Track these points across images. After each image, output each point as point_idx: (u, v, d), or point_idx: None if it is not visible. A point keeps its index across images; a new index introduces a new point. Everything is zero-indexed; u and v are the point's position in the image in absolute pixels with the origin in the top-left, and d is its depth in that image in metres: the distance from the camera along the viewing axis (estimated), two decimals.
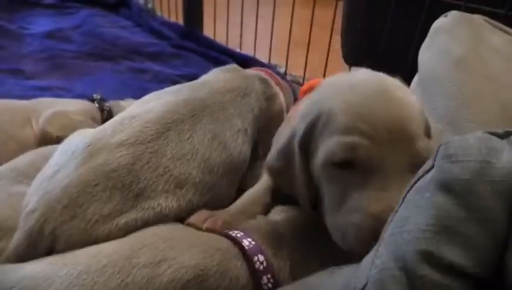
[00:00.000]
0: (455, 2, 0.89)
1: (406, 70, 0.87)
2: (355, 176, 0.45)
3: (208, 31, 1.72)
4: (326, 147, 0.46)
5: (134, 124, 0.58)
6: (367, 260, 0.36)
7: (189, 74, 1.41)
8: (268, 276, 0.48)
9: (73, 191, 0.51)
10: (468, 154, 0.31)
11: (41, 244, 0.51)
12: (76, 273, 0.43)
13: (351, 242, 0.44)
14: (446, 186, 0.31)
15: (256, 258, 0.49)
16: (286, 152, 0.53)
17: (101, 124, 0.71)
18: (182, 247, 0.48)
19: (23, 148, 0.76)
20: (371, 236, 0.39)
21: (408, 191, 0.35)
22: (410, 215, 0.32)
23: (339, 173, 0.46)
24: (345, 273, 0.39)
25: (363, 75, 0.52)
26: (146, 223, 0.52)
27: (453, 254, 0.29)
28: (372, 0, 1.11)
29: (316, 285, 0.40)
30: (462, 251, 0.29)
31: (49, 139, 0.80)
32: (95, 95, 0.97)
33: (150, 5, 2.05)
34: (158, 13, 1.97)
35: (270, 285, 0.48)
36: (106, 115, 0.91)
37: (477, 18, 0.74)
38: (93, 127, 0.76)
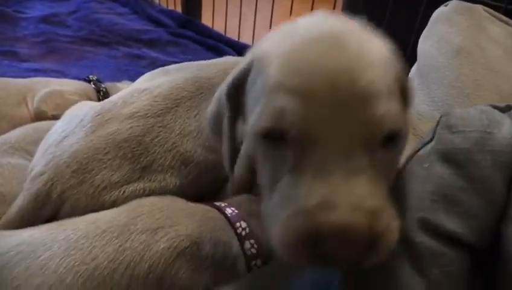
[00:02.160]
0: None
1: (405, 61, 0.87)
2: (287, 152, 0.32)
3: (206, 22, 1.71)
4: (255, 113, 0.34)
5: (144, 97, 0.58)
6: None
7: (186, 62, 1.40)
8: (252, 241, 0.48)
9: (83, 156, 0.52)
10: (469, 125, 0.30)
11: (47, 207, 0.51)
12: (75, 238, 0.43)
13: (280, 245, 0.31)
14: (446, 156, 0.30)
15: (238, 224, 0.49)
16: (218, 105, 0.45)
17: None
18: (178, 216, 0.48)
19: (17, 127, 0.74)
20: (301, 242, 0.29)
21: (407, 162, 0.34)
22: (410, 184, 0.32)
23: (269, 147, 0.33)
24: None
25: (315, 17, 0.37)
26: (150, 194, 0.53)
27: (450, 223, 0.29)
28: None
29: None
30: (459, 220, 0.29)
31: (44, 118, 0.79)
32: (91, 76, 0.96)
33: None
34: (156, 1, 1.96)
35: (254, 250, 0.48)
36: (102, 96, 0.90)
37: (478, 8, 0.73)
38: None
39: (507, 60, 0.67)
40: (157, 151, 0.54)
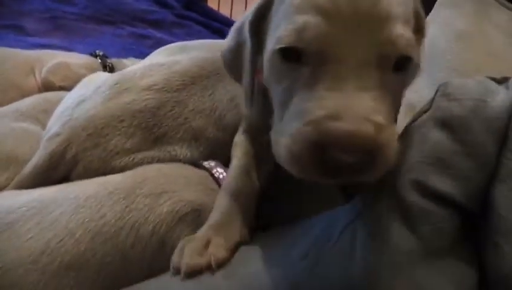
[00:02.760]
0: None
1: None
2: (304, 70, 0.33)
3: (212, 5, 1.72)
4: (277, 32, 0.35)
5: (162, 71, 0.60)
6: (358, 195, 0.37)
7: None
8: None
9: (99, 122, 0.54)
10: (465, 93, 0.32)
11: (60, 167, 0.54)
12: (85, 197, 0.45)
13: (287, 157, 0.33)
14: (442, 122, 0.32)
15: None
16: (239, 36, 0.43)
17: None
18: (182, 183, 0.50)
19: (25, 97, 0.76)
20: (310, 151, 0.31)
21: (405, 130, 0.36)
22: (407, 149, 0.34)
23: (286, 68, 0.35)
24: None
25: None
26: (159, 163, 0.55)
27: (442, 184, 0.31)
28: None
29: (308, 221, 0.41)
30: (452, 182, 0.31)
31: (51, 89, 0.80)
32: (97, 51, 0.97)
33: None
34: None
35: None
36: (108, 71, 0.91)
37: None
38: None
39: (510, 46, 0.68)
40: (170, 124, 0.56)
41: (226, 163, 0.60)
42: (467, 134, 0.31)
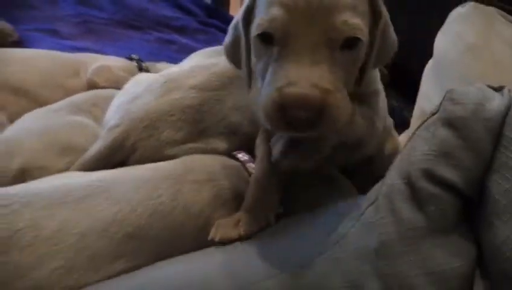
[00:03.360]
0: None
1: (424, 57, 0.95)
2: (274, 50, 0.43)
3: (233, 14, 1.80)
4: (256, 20, 0.45)
5: (203, 72, 0.68)
6: (376, 186, 0.44)
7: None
8: None
9: (153, 115, 0.63)
10: (467, 98, 0.39)
11: (119, 154, 0.62)
12: (143, 180, 0.53)
13: (263, 118, 0.43)
14: (448, 122, 0.39)
15: None
16: (235, 30, 0.53)
17: None
18: (223, 173, 0.58)
19: (71, 95, 0.85)
20: (275, 110, 0.40)
21: (417, 129, 0.43)
22: (417, 145, 0.41)
23: (263, 47, 0.45)
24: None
25: None
26: (202, 153, 0.63)
27: (447, 173, 0.38)
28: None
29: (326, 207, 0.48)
30: (455, 171, 0.38)
31: (94, 88, 0.89)
32: (133, 55, 1.06)
33: None
34: None
35: None
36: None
37: (492, 10, 0.81)
38: None
39: None
40: (212, 120, 0.65)
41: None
42: (468, 132, 0.38)
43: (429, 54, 0.89)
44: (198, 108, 0.64)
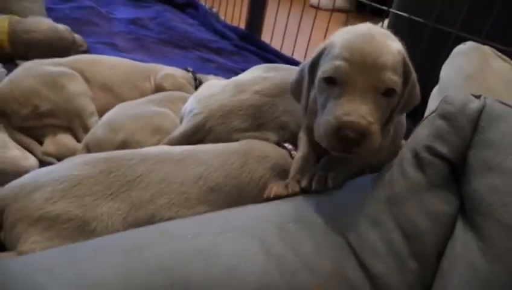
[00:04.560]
0: (470, 37, 1.17)
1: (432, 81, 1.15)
2: (335, 89, 0.60)
3: (265, 39, 2.04)
4: (323, 67, 0.62)
5: (265, 82, 0.89)
6: (392, 161, 0.63)
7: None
8: None
9: (226, 108, 0.84)
10: (456, 101, 0.58)
11: (199, 133, 0.84)
12: (219, 152, 0.74)
13: (321, 136, 0.60)
14: (443, 116, 0.58)
15: None
16: (301, 73, 0.71)
17: (194, 90, 1.06)
18: (276, 153, 0.79)
19: (143, 95, 1.06)
20: (333, 132, 0.57)
21: (422, 121, 0.62)
22: (421, 130, 0.60)
23: (326, 87, 0.62)
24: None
25: (362, 25, 0.66)
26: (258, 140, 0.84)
27: (441, 148, 0.57)
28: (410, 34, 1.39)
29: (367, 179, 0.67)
30: (446, 146, 0.56)
31: (162, 91, 1.10)
32: (188, 68, 1.27)
33: (214, 10, 2.37)
34: (221, 17, 2.29)
35: None
36: (198, 83, 1.21)
37: (487, 48, 1.01)
38: (191, 89, 1.07)
39: (501, 85, 0.94)
40: (268, 118, 0.86)
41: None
42: (455, 121, 0.57)
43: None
44: (259, 108, 0.85)
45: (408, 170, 0.58)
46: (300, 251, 0.55)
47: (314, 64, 0.67)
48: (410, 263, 0.54)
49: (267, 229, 0.57)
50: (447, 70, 1.05)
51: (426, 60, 1.32)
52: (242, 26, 2.17)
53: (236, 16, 2.19)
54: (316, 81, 0.65)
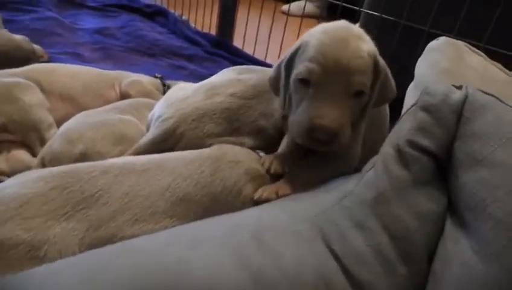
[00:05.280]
0: (443, 34, 1.16)
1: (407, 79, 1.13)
2: (309, 90, 0.63)
3: (236, 44, 2.00)
4: (297, 69, 0.64)
5: (241, 84, 0.84)
6: (374, 157, 0.59)
7: None
8: None
9: (200, 112, 0.78)
10: (438, 92, 0.55)
11: (170, 140, 0.77)
12: (189, 160, 0.68)
13: (295, 134, 0.64)
14: (424, 108, 0.55)
15: None
16: (278, 70, 0.72)
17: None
18: (250, 158, 0.73)
19: (108, 104, 0.99)
20: (306, 131, 0.61)
21: (402, 115, 0.58)
22: (403, 125, 0.56)
23: (300, 87, 0.64)
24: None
25: (338, 23, 0.68)
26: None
27: (424, 142, 0.53)
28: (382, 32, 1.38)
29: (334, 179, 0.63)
30: (430, 140, 0.53)
31: (127, 98, 1.04)
32: (157, 74, 1.21)
33: (184, 17, 2.32)
34: (192, 24, 2.25)
35: None
36: (166, 89, 1.15)
37: (461, 43, 1.00)
38: (159, 96, 1.01)
39: (478, 80, 0.92)
40: (244, 122, 0.80)
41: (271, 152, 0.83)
42: (438, 113, 0.53)
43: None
44: (235, 111, 0.80)
45: (392, 167, 0.54)
46: (281, 263, 0.50)
47: (290, 62, 0.68)
48: (400, 267, 0.50)
49: (243, 240, 0.52)
50: (422, 66, 1.04)
51: (400, 59, 1.31)
52: (213, 33, 2.12)
53: (206, 24, 2.15)
54: (291, 80, 0.67)
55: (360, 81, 0.62)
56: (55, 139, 0.80)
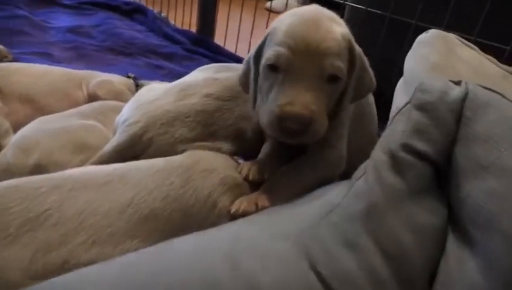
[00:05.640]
0: (431, 27, 1.10)
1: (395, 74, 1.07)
2: (278, 76, 0.57)
3: (218, 41, 1.92)
4: (266, 54, 0.59)
5: (217, 85, 0.76)
6: (364, 163, 0.52)
7: None
8: None
9: (171, 115, 0.70)
10: (434, 88, 0.48)
11: (137, 146, 0.69)
12: (156, 169, 0.59)
13: (265, 126, 0.58)
14: (420, 107, 0.48)
15: None
16: (247, 64, 0.68)
17: None
18: (227, 165, 0.65)
19: (75, 106, 0.90)
20: (276, 121, 0.55)
21: (395, 116, 0.52)
22: (396, 127, 0.50)
23: (270, 74, 0.59)
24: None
25: (309, 6, 0.63)
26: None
27: (420, 145, 0.46)
28: (368, 26, 1.32)
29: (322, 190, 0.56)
30: (426, 143, 0.46)
31: (96, 100, 0.95)
32: (129, 74, 1.13)
33: (163, 14, 2.23)
34: (171, 22, 2.16)
35: None
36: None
37: (451, 36, 0.94)
38: (131, 97, 0.93)
39: (471, 74, 0.86)
40: (221, 125, 0.73)
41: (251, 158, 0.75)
42: (435, 113, 0.47)
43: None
44: (211, 114, 0.72)
45: (384, 175, 0.47)
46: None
47: (259, 53, 0.63)
48: None
49: (215, 264, 0.45)
50: (411, 61, 0.98)
51: (387, 54, 1.26)
52: (193, 30, 2.04)
53: (186, 21, 2.07)
54: (260, 69, 0.62)
55: (333, 64, 0.56)
56: (9, 148, 0.71)
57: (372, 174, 0.48)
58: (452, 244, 0.44)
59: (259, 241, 0.48)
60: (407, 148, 0.47)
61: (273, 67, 0.58)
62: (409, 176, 0.46)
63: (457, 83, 0.50)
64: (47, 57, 1.51)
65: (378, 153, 0.50)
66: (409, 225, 0.44)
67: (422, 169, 0.46)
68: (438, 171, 0.47)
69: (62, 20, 2.00)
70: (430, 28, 1.05)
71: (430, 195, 0.46)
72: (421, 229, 0.44)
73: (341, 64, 0.58)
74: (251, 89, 0.66)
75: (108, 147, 0.69)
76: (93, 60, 1.59)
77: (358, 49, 0.63)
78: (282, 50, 0.56)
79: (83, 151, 0.70)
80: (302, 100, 0.55)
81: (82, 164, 0.68)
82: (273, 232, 0.49)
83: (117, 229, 0.52)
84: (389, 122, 0.53)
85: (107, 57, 1.66)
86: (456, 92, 0.48)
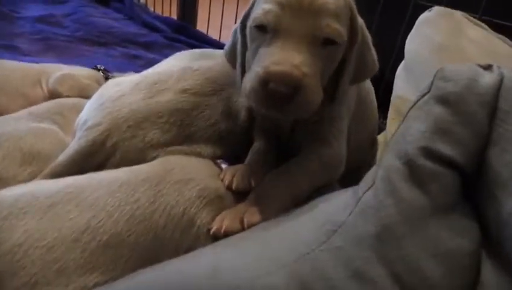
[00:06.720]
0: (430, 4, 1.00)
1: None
2: (266, 36, 0.50)
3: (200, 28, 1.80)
4: (253, 14, 0.52)
5: (196, 77, 0.65)
6: (371, 170, 0.42)
7: None
8: None
9: (139, 116, 0.59)
10: (459, 74, 0.38)
11: (99, 155, 0.57)
12: (119, 184, 0.49)
13: (248, 93, 0.48)
14: (441, 99, 0.38)
15: None
16: (234, 35, 0.60)
17: None
18: (206, 174, 0.55)
19: (32, 105, 0.79)
20: (260, 85, 0.46)
21: (408, 111, 0.42)
22: (412, 125, 0.40)
23: (257, 35, 0.51)
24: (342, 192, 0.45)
25: None
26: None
27: (445, 149, 0.36)
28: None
29: (322, 199, 0.46)
30: (452, 146, 0.36)
31: (57, 98, 0.83)
32: (98, 66, 1.01)
33: (142, 1, 2.09)
34: (151, 9, 2.03)
35: None
36: None
37: (458, 13, 0.84)
38: None
39: (482, 56, 0.77)
40: (201, 125, 0.62)
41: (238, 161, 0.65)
42: (462, 106, 0.37)
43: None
44: (188, 112, 0.61)
45: (400, 188, 0.37)
46: None
47: (246, 21, 0.56)
48: None
49: None
50: (413, 43, 0.88)
51: (383, 35, 1.15)
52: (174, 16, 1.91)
53: (166, 8, 1.94)
54: (247, 33, 0.54)
55: (330, 25, 0.48)
56: None
57: (383, 186, 0.38)
58: (489, 273, 0.35)
59: (244, 275, 0.38)
60: (428, 152, 0.37)
61: (261, 28, 0.50)
62: (432, 189, 0.36)
63: (487, 68, 0.40)
64: (13, 50, 1.39)
65: (391, 159, 0.39)
66: (433, 251, 0.35)
67: (448, 179, 0.36)
68: (467, 182, 0.37)
69: (31, 9, 1.87)
70: (430, 6, 0.95)
71: (459, 212, 0.36)
72: (448, 256, 0.35)
73: (339, 27, 0.49)
74: (238, 63, 0.58)
75: (63, 156, 0.57)
76: (64, 52, 1.47)
77: (360, 20, 0.55)
78: (270, 7, 0.49)
79: (33, 163, 0.58)
80: (291, 60, 0.46)
81: (32, 178, 0.57)
82: (262, 260, 0.39)
83: (68, 263, 0.41)
84: (401, 118, 0.42)
85: (79, 47, 1.54)
86: (487, 79, 0.38)
